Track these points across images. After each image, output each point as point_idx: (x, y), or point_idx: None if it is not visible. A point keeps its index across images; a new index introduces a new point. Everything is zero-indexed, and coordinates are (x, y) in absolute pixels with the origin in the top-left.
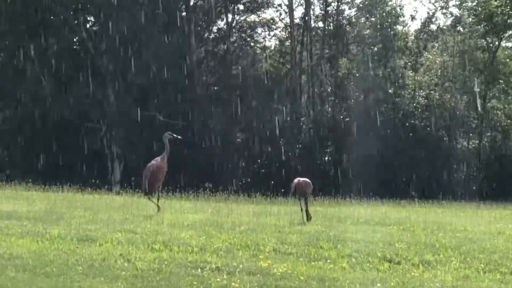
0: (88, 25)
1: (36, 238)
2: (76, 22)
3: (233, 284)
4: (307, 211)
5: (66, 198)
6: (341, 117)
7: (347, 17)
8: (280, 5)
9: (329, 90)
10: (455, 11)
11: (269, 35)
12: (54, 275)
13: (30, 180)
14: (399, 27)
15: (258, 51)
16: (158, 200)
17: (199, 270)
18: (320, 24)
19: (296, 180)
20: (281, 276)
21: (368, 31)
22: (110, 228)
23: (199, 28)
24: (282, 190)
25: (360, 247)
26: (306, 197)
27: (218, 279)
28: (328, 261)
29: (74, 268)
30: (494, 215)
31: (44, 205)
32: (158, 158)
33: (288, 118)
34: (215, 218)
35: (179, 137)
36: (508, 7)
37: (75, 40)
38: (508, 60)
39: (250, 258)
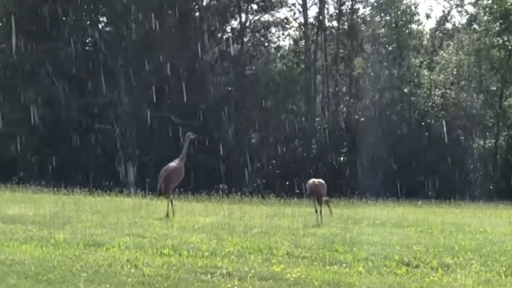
0: (100, 26)
1: (40, 243)
2: (88, 23)
3: None
4: (328, 206)
5: (75, 201)
6: (356, 116)
7: (362, 16)
8: (294, 5)
9: (344, 89)
10: (471, 9)
11: (283, 34)
12: (57, 282)
13: (43, 182)
14: (414, 26)
15: (272, 51)
16: (172, 203)
17: (209, 275)
18: (335, 23)
19: (310, 182)
20: (294, 282)
21: (382, 30)
22: (118, 232)
23: (212, 28)
24: (297, 191)
25: (376, 250)
26: (321, 198)
27: (229, 285)
28: (344, 265)
29: (79, 275)
30: None
31: (51, 208)
32: (177, 160)
33: (303, 118)
34: (227, 220)
35: (201, 137)
36: None
37: (87, 41)
38: None
39: (262, 262)
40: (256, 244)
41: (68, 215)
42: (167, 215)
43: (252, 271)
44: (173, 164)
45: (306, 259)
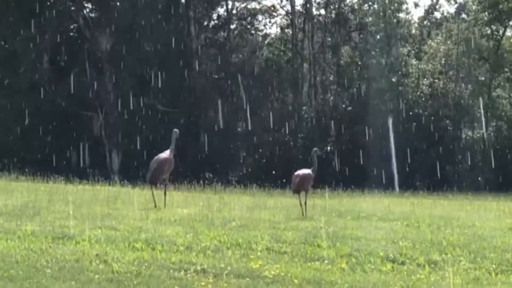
0: (85, 12)
1: (6, 235)
2: (73, 8)
3: None
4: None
5: (52, 190)
6: (344, 106)
7: (349, 4)
8: None
9: (331, 78)
10: None
11: (270, 22)
12: (19, 278)
13: (26, 169)
14: (402, 15)
15: (259, 38)
16: (165, 195)
17: (183, 272)
18: (322, 11)
19: (298, 177)
20: (272, 280)
21: (370, 18)
22: (90, 224)
23: (198, 15)
24: (284, 180)
25: (361, 246)
26: (307, 191)
27: (203, 283)
28: (326, 261)
29: (43, 271)
30: (503, 208)
31: (24, 198)
32: (167, 151)
33: (290, 107)
34: (205, 212)
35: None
36: None
37: (72, 27)
38: None
39: (240, 258)
40: (234, 238)
41: (40, 205)
42: (165, 206)
43: (229, 267)
44: (163, 155)
45: (286, 255)
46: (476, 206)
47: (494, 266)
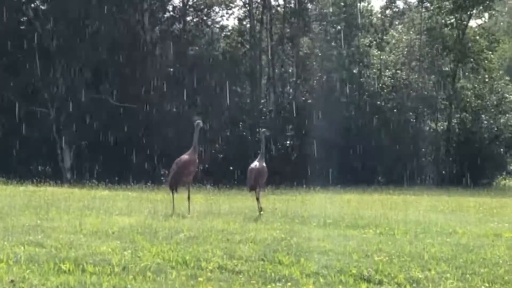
0: (34, 4)
1: None
2: (23, 1)
3: None
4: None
5: None
6: (303, 98)
7: None
8: None
9: (290, 70)
10: None
11: (227, 14)
12: None
13: None
14: (363, 4)
15: (216, 30)
16: (188, 200)
17: None
18: (281, 1)
19: (253, 172)
20: None
21: (330, 8)
22: (12, 240)
23: (153, 7)
24: (242, 176)
25: (329, 261)
26: (262, 186)
27: None
28: (289, 283)
29: None
30: (482, 209)
31: None
32: (189, 152)
33: (248, 101)
34: (149, 222)
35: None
36: None
37: (21, 19)
38: (478, 37)
39: (186, 281)
40: (180, 254)
41: None
42: (189, 212)
43: None
44: (185, 156)
45: (242, 275)
46: (450, 206)
47: (486, 284)
